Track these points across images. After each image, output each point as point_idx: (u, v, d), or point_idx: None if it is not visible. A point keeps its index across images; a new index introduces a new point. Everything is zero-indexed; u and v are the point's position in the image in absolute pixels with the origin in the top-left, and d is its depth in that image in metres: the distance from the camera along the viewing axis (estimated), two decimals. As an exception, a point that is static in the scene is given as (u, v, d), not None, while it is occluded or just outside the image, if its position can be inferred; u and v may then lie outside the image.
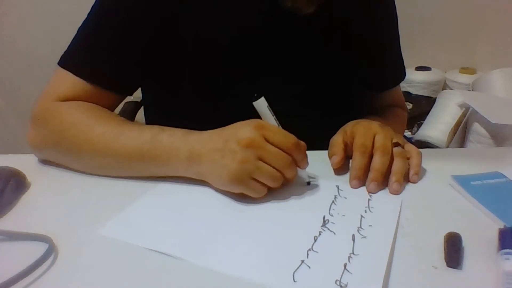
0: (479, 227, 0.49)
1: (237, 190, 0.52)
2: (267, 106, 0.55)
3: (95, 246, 0.46)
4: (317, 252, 0.44)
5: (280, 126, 0.55)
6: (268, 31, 0.68)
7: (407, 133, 1.71)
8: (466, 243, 0.46)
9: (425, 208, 0.53)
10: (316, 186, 0.57)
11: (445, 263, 0.43)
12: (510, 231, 0.45)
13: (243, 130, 0.51)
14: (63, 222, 0.50)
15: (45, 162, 0.63)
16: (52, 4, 1.66)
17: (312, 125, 0.73)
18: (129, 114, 0.99)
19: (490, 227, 0.48)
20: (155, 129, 0.58)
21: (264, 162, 0.51)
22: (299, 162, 0.54)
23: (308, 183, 0.57)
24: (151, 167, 0.57)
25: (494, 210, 0.51)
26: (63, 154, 0.60)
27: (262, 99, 0.54)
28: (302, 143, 0.54)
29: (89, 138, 0.58)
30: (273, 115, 0.55)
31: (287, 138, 0.52)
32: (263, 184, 0.52)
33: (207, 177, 0.54)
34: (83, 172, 0.60)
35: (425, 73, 1.92)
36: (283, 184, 0.54)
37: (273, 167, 0.51)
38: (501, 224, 0.48)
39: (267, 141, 0.51)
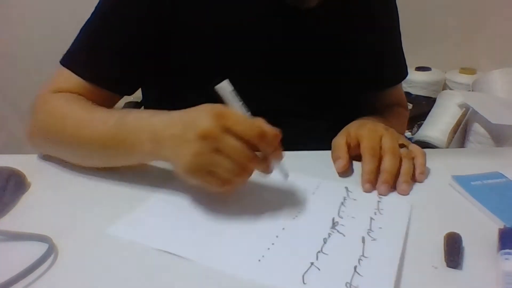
0: (479, 227, 0.49)
1: (193, 182, 0.49)
2: (232, 91, 0.47)
3: (95, 246, 0.46)
4: (327, 254, 0.44)
5: (249, 113, 0.49)
6: (270, 30, 0.68)
7: (407, 133, 1.71)
8: (466, 243, 0.46)
9: (425, 208, 0.53)
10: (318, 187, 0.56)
11: (445, 263, 0.43)
12: (510, 231, 0.45)
13: (201, 118, 0.46)
14: (63, 222, 0.50)
15: (45, 162, 0.63)
16: (53, 4, 1.66)
17: (314, 124, 0.74)
18: (129, 114, 0.99)
19: (490, 227, 0.48)
20: (122, 112, 0.57)
21: (222, 155, 0.46)
22: (269, 154, 0.48)
23: (286, 176, 0.52)
24: (120, 152, 0.55)
25: (494, 210, 0.51)
26: (47, 142, 0.62)
27: (225, 83, 0.47)
28: (272, 132, 0.47)
29: (65, 126, 0.58)
30: (240, 101, 0.48)
31: (251, 128, 0.46)
32: (222, 178, 0.47)
33: (170, 162, 0.51)
34: (81, 171, 0.60)
35: (425, 73, 1.92)
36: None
37: (233, 161, 0.46)
38: (501, 224, 0.48)
39: (229, 131, 0.45)
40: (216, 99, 0.68)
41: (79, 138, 0.57)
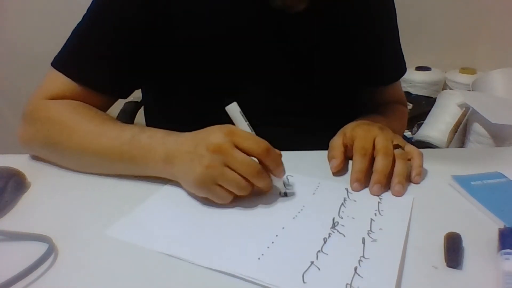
0: (479, 227, 0.49)
1: (201, 193, 0.52)
2: (240, 111, 0.53)
3: (95, 246, 0.46)
4: (326, 254, 0.44)
5: (253, 132, 0.54)
6: (264, 29, 0.68)
7: (407, 133, 1.70)
8: (466, 243, 0.46)
9: (425, 208, 0.53)
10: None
11: (445, 263, 0.43)
12: (510, 231, 0.45)
13: (213, 135, 0.50)
14: (63, 222, 0.50)
15: (45, 162, 0.63)
16: (53, 4, 1.66)
17: (312, 123, 0.74)
18: (129, 114, 0.99)
19: (490, 227, 0.48)
20: (135, 129, 0.58)
21: (231, 169, 0.49)
22: (272, 170, 0.52)
23: (285, 194, 0.55)
24: (131, 167, 0.57)
25: (494, 210, 0.51)
26: (50, 151, 0.61)
27: (234, 104, 0.53)
28: (276, 151, 0.52)
29: (73, 136, 0.58)
30: (245, 120, 0.53)
31: (258, 145, 0.50)
32: (228, 191, 0.50)
33: (179, 179, 0.54)
34: (78, 171, 0.60)
35: (425, 73, 1.92)
36: (256, 193, 0.53)
37: (240, 175, 0.49)
38: (501, 224, 0.48)
39: (237, 147, 0.50)
40: (209, 98, 0.69)
41: (87, 150, 0.57)
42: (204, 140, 0.50)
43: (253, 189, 0.51)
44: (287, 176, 0.58)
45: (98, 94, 0.65)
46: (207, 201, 0.52)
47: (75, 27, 0.66)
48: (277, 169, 0.52)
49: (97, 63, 0.64)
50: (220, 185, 0.50)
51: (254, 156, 0.50)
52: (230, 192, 0.50)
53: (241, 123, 0.53)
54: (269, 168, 0.52)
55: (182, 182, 0.54)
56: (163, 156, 0.54)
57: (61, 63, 0.64)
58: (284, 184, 0.57)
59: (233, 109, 0.53)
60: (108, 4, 0.65)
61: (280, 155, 0.52)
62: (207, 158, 0.49)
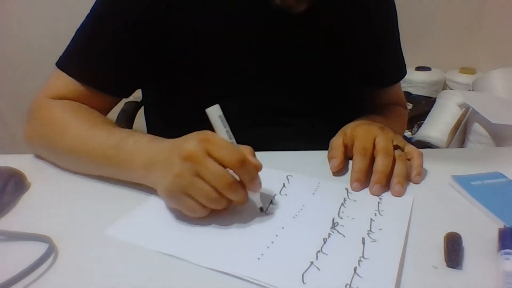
0: (479, 227, 0.49)
1: (171, 204, 0.49)
2: (220, 116, 0.47)
3: (95, 246, 0.46)
4: (326, 254, 0.44)
5: (233, 139, 0.48)
6: (264, 31, 0.68)
7: (407, 133, 1.71)
8: (466, 243, 0.46)
9: (425, 208, 0.53)
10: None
11: (445, 263, 0.43)
12: (510, 231, 0.45)
13: (187, 142, 0.47)
14: (63, 222, 0.50)
15: (45, 162, 0.63)
16: (53, 5, 1.66)
17: (313, 124, 0.74)
18: (129, 114, 0.99)
19: (490, 227, 0.48)
20: (123, 134, 0.57)
21: (202, 178, 0.45)
22: (247, 183, 0.47)
23: (261, 209, 0.51)
24: (116, 172, 0.56)
25: (494, 210, 0.51)
26: (47, 150, 0.62)
27: (215, 107, 0.47)
28: (253, 162, 0.48)
29: (65, 138, 0.59)
30: (225, 126, 0.48)
31: (231, 154, 0.45)
32: (200, 203, 0.46)
33: (155, 187, 0.51)
34: (75, 172, 0.60)
35: (425, 73, 1.92)
36: (231, 207, 0.49)
37: (212, 186, 0.45)
38: (501, 224, 0.48)
39: (211, 156, 0.46)
40: (210, 99, 0.68)
41: (77, 152, 0.58)
42: (178, 147, 0.47)
43: (229, 203, 0.48)
44: (286, 183, 0.57)
45: (101, 93, 0.65)
46: (179, 213, 0.49)
47: (79, 27, 0.66)
48: (251, 182, 0.48)
49: (100, 64, 0.65)
50: (191, 196, 0.46)
51: (227, 167, 0.46)
52: (202, 204, 0.47)
53: (220, 128, 0.48)
54: (243, 180, 0.47)
55: (158, 191, 0.50)
56: (144, 163, 0.52)
57: (64, 63, 0.65)
58: (271, 201, 0.53)
59: (212, 113, 0.47)
60: (112, 4, 0.65)
61: (258, 168, 0.48)
62: (177, 166, 0.46)
